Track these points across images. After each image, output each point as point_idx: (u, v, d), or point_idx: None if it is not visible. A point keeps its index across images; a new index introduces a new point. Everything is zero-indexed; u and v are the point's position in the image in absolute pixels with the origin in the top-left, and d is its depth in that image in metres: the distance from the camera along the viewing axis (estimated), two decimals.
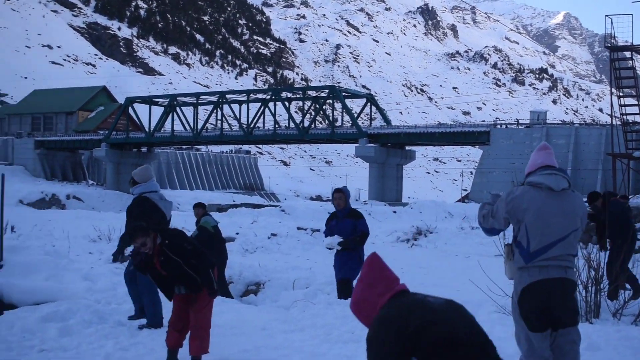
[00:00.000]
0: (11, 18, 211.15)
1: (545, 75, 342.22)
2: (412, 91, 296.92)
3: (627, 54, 38.95)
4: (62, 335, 8.36)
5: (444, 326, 3.53)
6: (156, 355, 7.55)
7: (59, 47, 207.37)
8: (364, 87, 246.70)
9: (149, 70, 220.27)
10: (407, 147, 77.28)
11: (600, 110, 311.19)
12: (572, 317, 5.38)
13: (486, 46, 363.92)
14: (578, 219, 5.41)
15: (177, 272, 7.18)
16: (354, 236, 10.67)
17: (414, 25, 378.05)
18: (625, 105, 37.82)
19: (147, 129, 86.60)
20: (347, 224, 10.70)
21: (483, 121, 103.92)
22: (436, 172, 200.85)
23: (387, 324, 3.67)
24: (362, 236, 10.82)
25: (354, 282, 9.81)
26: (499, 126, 73.47)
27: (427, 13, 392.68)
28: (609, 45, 36.99)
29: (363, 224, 10.87)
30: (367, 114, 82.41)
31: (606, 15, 35.86)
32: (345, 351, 7.94)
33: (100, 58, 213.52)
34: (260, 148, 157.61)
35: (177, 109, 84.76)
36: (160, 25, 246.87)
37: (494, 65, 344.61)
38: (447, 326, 3.53)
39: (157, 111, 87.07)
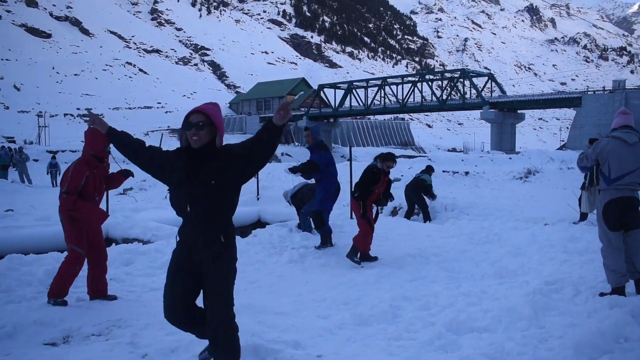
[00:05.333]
0: (241, 34, 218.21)
1: (624, 52, 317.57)
2: (521, 69, 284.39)
3: None
4: (303, 240, 9.38)
5: None
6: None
7: (272, 52, 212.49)
8: (485, 68, 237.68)
9: (333, 65, 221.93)
10: (519, 111, 74.92)
11: None
12: (638, 222, 5.80)
13: (578, 32, 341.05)
14: None
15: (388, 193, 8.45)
16: (301, 164, 8.96)
17: (522, 20, 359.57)
18: None
19: (333, 106, 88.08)
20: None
21: (576, 89, 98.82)
22: (540, 128, 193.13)
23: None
24: (307, 164, 8.82)
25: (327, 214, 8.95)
26: (588, 92, 69.83)
27: (532, 10, 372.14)
28: None
29: (315, 156, 8.81)
30: (489, 88, 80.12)
31: None
32: (485, 249, 8.51)
33: (300, 58, 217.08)
34: (411, 116, 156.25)
35: (353, 90, 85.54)
36: (339, 33, 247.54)
37: (584, 47, 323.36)
38: None
39: (339, 93, 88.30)
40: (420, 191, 13.69)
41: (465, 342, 4.59)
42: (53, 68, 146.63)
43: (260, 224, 12.36)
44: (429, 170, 14.51)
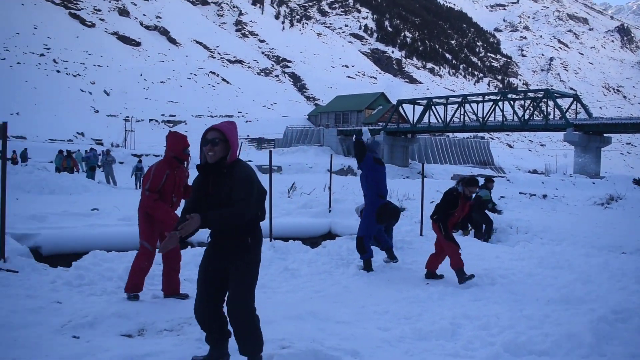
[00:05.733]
0: (322, 47, 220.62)
1: None
2: (609, 91, 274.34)
3: None
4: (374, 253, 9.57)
5: None
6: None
7: (352, 66, 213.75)
8: (571, 88, 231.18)
9: (413, 81, 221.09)
10: (605, 134, 72.33)
11: None
12: None
13: None
14: None
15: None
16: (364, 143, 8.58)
17: (612, 41, 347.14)
18: None
19: (411, 122, 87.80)
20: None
21: None
22: (629, 153, 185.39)
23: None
24: (362, 146, 8.58)
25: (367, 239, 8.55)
26: None
27: (623, 31, 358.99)
28: None
29: (369, 155, 8.54)
30: (574, 109, 77.88)
31: None
32: (553, 274, 8.41)
33: (380, 73, 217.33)
34: (491, 135, 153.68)
35: (432, 107, 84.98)
36: (420, 49, 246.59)
37: None
38: None
39: (418, 109, 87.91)
40: (481, 208, 13.48)
41: None
42: (141, 75, 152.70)
43: (330, 235, 12.57)
44: (487, 183, 14.09)
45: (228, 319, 4.05)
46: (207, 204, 3.94)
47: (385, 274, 8.29)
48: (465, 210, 8.28)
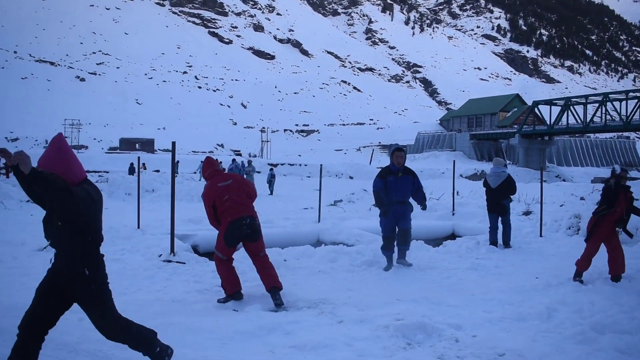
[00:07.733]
0: (453, 51, 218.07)
1: None
2: None
3: None
4: (488, 252, 10.37)
5: None
6: None
7: (485, 68, 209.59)
8: None
9: (550, 80, 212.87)
10: None
11: None
12: None
13: None
14: None
15: None
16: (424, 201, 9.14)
17: None
18: None
19: (548, 123, 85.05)
20: (407, 180, 8.86)
21: None
22: None
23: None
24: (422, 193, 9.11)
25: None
26: None
27: None
28: None
29: (419, 181, 9.02)
30: None
31: None
32: None
33: (514, 74, 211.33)
34: (638, 134, 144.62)
35: (571, 107, 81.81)
36: (558, 46, 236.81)
37: None
38: None
39: (555, 110, 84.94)
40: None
41: (603, 340, 5.38)
42: (275, 87, 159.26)
43: (452, 237, 13.44)
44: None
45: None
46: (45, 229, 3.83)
47: (496, 268, 9.11)
48: (625, 203, 7.77)
